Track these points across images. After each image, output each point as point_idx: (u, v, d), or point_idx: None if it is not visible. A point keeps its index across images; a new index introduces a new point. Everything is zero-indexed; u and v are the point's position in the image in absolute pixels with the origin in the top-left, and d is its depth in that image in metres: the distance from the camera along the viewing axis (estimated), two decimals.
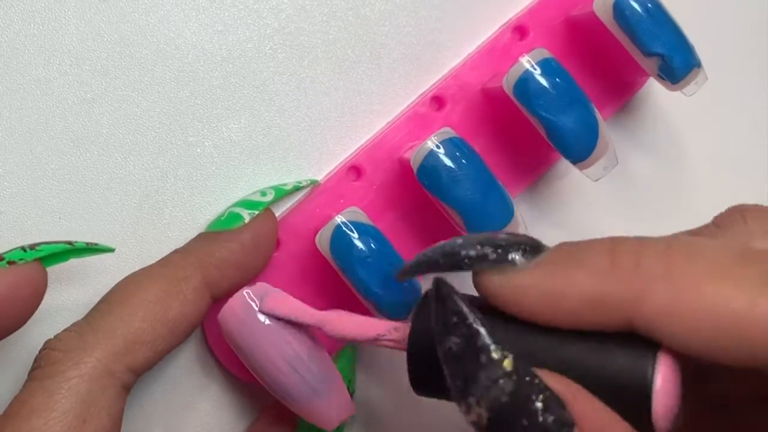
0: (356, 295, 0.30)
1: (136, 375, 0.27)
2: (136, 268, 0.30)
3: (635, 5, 0.30)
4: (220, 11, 0.32)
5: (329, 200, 0.32)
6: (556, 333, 0.22)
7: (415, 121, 0.32)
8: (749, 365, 0.19)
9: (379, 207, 0.32)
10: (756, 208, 0.24)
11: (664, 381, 0.20)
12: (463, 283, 0.23)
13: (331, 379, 0.28)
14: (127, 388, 0.27)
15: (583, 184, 0.35)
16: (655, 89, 0.35)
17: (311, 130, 0.33)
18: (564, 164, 0.34)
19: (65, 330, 0.27)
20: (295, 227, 0.32)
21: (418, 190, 0.30)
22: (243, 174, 0.32)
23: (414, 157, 0.30)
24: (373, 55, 0.33)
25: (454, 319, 0.22)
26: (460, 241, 0.23)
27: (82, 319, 0.27)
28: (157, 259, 0.30)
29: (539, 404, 0.20)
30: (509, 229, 0.30)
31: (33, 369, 0.26)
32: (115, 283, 0.28)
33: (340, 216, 0.29)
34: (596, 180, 0.31)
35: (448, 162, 0.29)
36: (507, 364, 0.21)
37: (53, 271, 0.30)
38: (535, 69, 0.30)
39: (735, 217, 0.24)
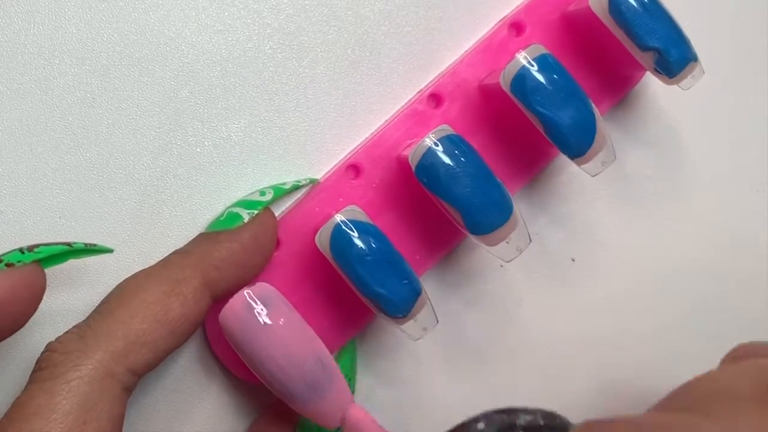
0: (356, 294, 0.29)
1: (137, 376, 0.27)
2: (136, 268, 0.30)
3: (631, 0, 0.30)
4: (220, 11, 0.32)
5: (328, 199, 0.32)
6: None
7: (413, 119, 0.33)
8: None
9: (378, 205, 0.32)
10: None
11: None
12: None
13: (333, 378, 0.28)
14: (128, 390, 0.26)
15: (581, 180, 0.35)
16: (652, 84, 0.35)
17: (311, 129, 0.33)
18: (562, 160, 0.34)
19: (66, 332, 0.27)
20: (295, 227, 0.32)
21: (416, 188, 0.30)
22: (243, 174, 0.32)
23: (412, 155, 0.30)
24: (372, 55, 0.33)
25: None
26: (481, 426, 0.23)
27: (83, 321, 0.27)
28: (158, 259, 0.30)
29: None
30: (507, 225, 0.29)
31: (34, 371, 0.26)
32: (116, 283, 0.28)
33: (339, 215, 0.29)
34: (594, 175, 0.31)
35: (446, 159, 0.29)
36: None
37: (53, 272, 0.31)
38: (531, 65, 0.30)
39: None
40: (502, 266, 0.35)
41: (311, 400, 0.28)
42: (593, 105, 0.30)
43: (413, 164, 0.30)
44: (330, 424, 0.28)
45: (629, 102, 0.36)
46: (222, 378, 0.33)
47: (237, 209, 0.30)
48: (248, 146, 0.32)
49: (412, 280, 0.29)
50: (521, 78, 0.30)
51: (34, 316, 0.28)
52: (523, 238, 0.30)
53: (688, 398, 0.25)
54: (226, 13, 0.32)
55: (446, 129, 0.30)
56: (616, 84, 0.34)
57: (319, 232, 0.30)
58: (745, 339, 0.36)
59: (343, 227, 0.29)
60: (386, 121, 0.33)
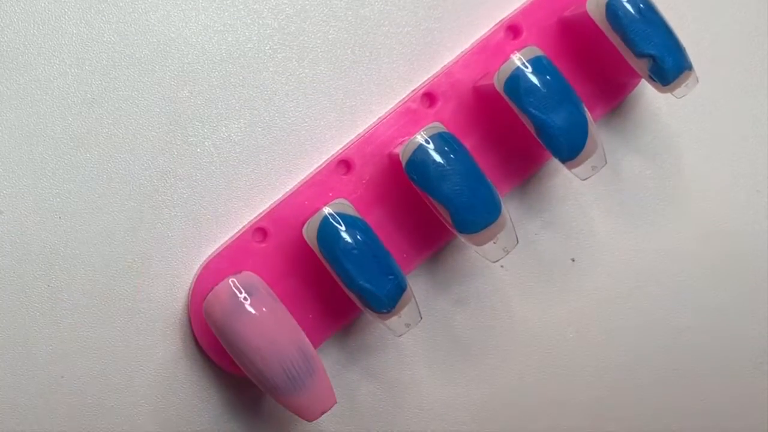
0: (342, 288, 0.30)
1: None
2: (136, 269, 0.30)
3: (628, 6, 0.30)
4: (220, 11, 0.32)
5: (318, 193, 0.32)
6: None
7: (406, 117, 0.33)
8: None
9: (368, 201, 0.32)
10: None
11: None
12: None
13: (314, 372, 0.28)
14: None
15: (572, 185, 0.35)
16: (647, 92, 0.35)
17: (311, 130, 0.33)
18: (553, 164, 0.35)
19: None
20: (283, 219, 0.32)
21: (407, 186, 0.30)
22: (243, 174, 0.32)
23: (403, 151, 0.30)
24: (372, 55, 0.33)
25: None
26: None
27: None
28: (158, 259, 0.30)
29: None
30: (495, 226, 0.30)
31: None
32: (113, 283, 0.28)
33: (327, 207, 0.29)
34: (584, 179, 0.31)
35: (436, 157, 0.29)
36: None
37: (52, 272, 0.31)
38: (526, 66, 0.30)
39: None
40: (502, 266, 0.35)
41: (291, 392, 0.28)
42: (586, 109, 0.30)
43: (403, 161, 0.30)
44: (310, 416, 0.29)
45: (624, 109, 0.36)
46: (208, 371, 0.33)
47: None
48: (248, 146, 0.32)
49: (397, 275, 0.29)
50: (515, 79, 0.30)
51: (35, 316, 0.28)
52: (510, 239, 0.30)
53: None
54: (226, 14, 0.32)
55: (438, 126, 0.30)
56: (612, 91, 0.34)
57: (306, 224, 0.30)
58: (746, 341, 0.37)
59: (331, 220, 0.29)
60: (379, 118, 0.33)
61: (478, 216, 0.29)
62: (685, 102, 0.35)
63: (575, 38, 0.33)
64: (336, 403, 0.29)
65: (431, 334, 0.34)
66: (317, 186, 0.32)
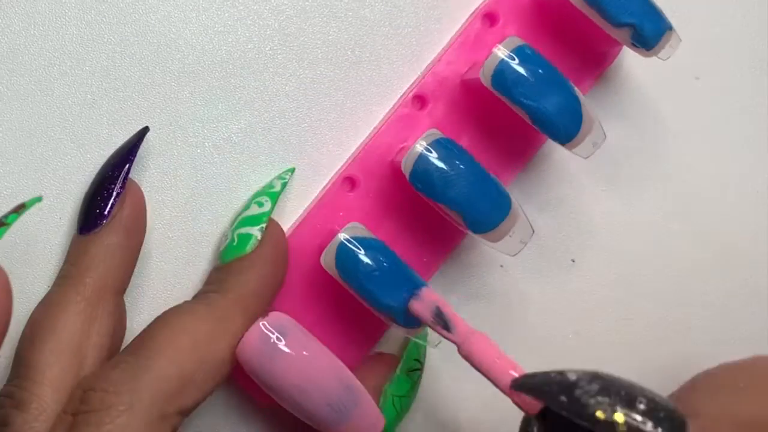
0: (368, 308, 0.30)
1: (183, 417, 0.27)
2: (137, 269, 0.30)
3: None
4: (221, 12, 0.32)
5: (329, 215, 0.32)
6: None
7: (401, 123, 0.32)
8: None
9: (378, 215, 0.32)
10: None
11: None
12: None
13: (358, 398, 0.28)
14: (175, 430, 0.26)
15: (565, 163, 0.35)
16: (629, 57, 0.35)
17: (311, 130, 0.33)
18: (548, 145, 0.34)
19: (111, 367, 0.26)
20: (300, 246, 0.32)
21: (413, 193, 0.30)
22: (243, 174, 0.32)
23: (404, 162, 0.30)
24: (372, 56, 0.33)
25: None
26: (596, 387, 0.22)
27: (129, 356, 0.27)
28: (158, 260, 0.30)
29: None
30: (508, 220, 0.30)
31: (83, 412, 0.25)
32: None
33: (342, 233, 0.29)
34: (587, 157, 0.31)
35: (439, 164, 0.29)
36: None
37: (54, 274, 0.31)
38: (510, 58, 0.30)
39: None
40: (502, 266, 0.35)
41: (338, 423, 0.28)
42: (576, 88, 0.30)
43: (406, 172, 0.30)
44: None
45: (607, 78, 0.35)
46: (243, 405, 0.33)
47: (245, 229, 0.30)
48: (248, 147, 0.33)
49: (421, 289, 0.29)
50: (501, 73, 0.30)
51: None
52: (525, 230, 0.30)
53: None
54: (226, 15, 0.32)
55: (435, 133, 0.30)
56: (595, 61, 0.34)
57: (324, 253, 0.30)
58: (745, 339, 0.37)
59: (348, 245, 0.29)
60: (374, 128, 0.33)
61: (490, 214, 0.29)
62: (685, 102, 0.35)
63: (552, 16, 0.33)
64: (385, 422, 0.29)
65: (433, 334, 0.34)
66: (326, 207, 0.32)
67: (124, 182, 0.29)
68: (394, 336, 0.34)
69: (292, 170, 0.32)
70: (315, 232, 0.32)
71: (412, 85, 0.33)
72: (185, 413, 0.27)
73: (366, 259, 0.29)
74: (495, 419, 0.35)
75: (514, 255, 0.30)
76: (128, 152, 0.30)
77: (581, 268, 0.35)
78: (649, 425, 0.21)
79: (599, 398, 0.22)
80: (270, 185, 0.32)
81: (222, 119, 0.32)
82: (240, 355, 0.28)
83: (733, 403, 0.26)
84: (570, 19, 0.32)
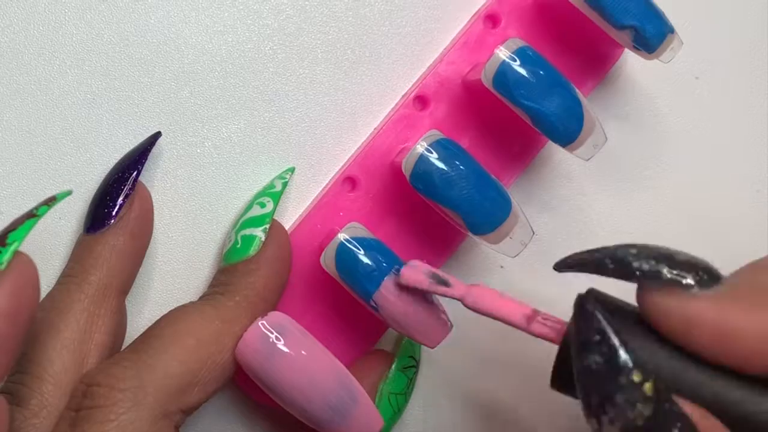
0: (367, 308, 0.30)
1: (186, 416, 0.27)
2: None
3: None
4: (220, 11, 0.32)
5: (329, 215, 0.32)
6: (711, 367, 0.21)
7: (402, 124, 0.32)
8: None
9: (378, 215, 0.32)
10: None
11: None
12: None
13: (358, 399, 0.28)
14: (177, 429, 0.26)
15: (566, 165, 0.35)
16: (630, 59, 0.35)
17: (311, 130, 0.33)
18: (549, 146, 0.34)
19: (115, 363, 0.26)
20: (300, 246, 0.31)
21: (414, 194, 0.30)
22: (243, 174, 0.32)
23: (405, 163, 0.30)
24: (372, 55, 0.33)
25: (596, 338, 0.21)
26: (634, 251, 0.23)
27: (132, 353, 0.27)
28: (158, 260, 0.30)
29: None
30: (508, 222, 0.30)
31: (87, 407, 0.25)
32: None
33: (342, 233, 0.29)
34: (588, 159, 0.31)
35: (439, 165, 0.29)
36: (647, 388, 0.20)
37: (52, 273, 0.31)
38: (511, 60, 0.29)
39: None
40: (502, 267, 0.35)
41: (336, 422, 0.28)
42: (577, 89, 0.30)
43: (407, 173, 0.30)
44: None
45: (609, 80, 0.35)
46: (243, 405, 0.33)
47: (248, 231, 0.30)
48: (248, 147, 0.32)
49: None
50: (502, 74, 0.30)
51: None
52: (526, 232, 0.30)
53: None
54: (226, 14, 0.32)
55: (436, 134, 0.30)
56: (597, 63, 0.34)
57: (323, 254, 0.30)
58: None
59: (347, 246, 0.29)
60: (375, 128, 0.33)
61: (490, 216, 0.29)
62: (685, 102, 0.35)
63: (553, 17, 0.33)
64: (383, 423, 0.29)
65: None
66: (326, 208, 0.32)
67: (133, 185, 0.29)
68: (392, 335, 0.34)
69: (292, 170, 0.32)
70: (315, 232, 0.32)
71: (413, 85, 0.33)
72: (188, 412, 0.27)
73: (366, 260, 0.29)
74: (492, 415, 0.35)
75: (515, 256, 0.30)
76: (140, 155, 0.30)
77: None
78: (690, 277, 0.21)
79: (642, 258, 0.22)
80: (271, 185, 0.32)
81: (222, 119, 0.32)
82: (239, 355, 0.28)
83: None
84: (572, 21, 0.32)
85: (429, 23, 0.34)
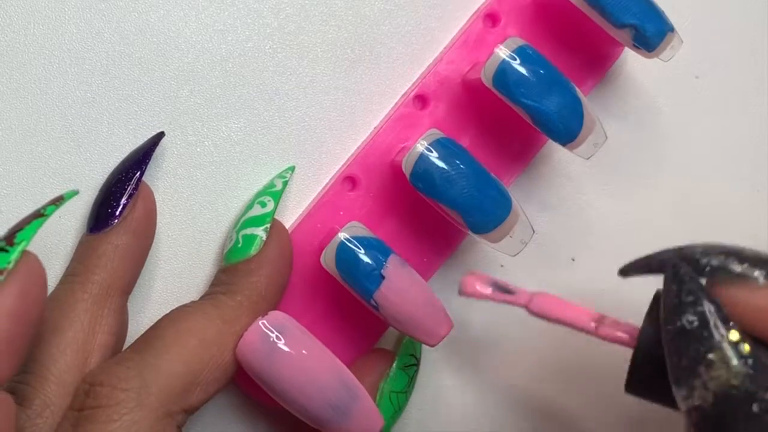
0: (367, 308, 0.30)
1: (188, 415, 0.27)
2: None
3: None
4: (220, 11, 0.32)
5: (329, 214, 0.32)
6: None
7: (402, 123, 0.32)
8: None
9: (378, 214, 0.32)
10: None
11: None
12: None
13: (357, 397, 0.28)
14: (180, 429, 0.26)
15: (566, 164, 0.35)
16: (630, 58, 0.35)
17: (311, 129, 0.33)
18: (549, 145, 0.34)
19: (118, 363, 0.26)
20: (300, 246, 0.31)
21: (414, 193, 0.30)
22: (243, 173, 0.32)
23: (405, 162, 0.30)
24: (372, 54, 0.33)
25: (690, 298, 0.21)
26: (699, 249, 0.23)
27: (134, 353, 0.27)
28: (158, 260, 0.30)
29: None
30: (509, 221, 0.30)
31: (90, 407, 0.25)
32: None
33: (342, 232, 0.29)
34: (588, 158, 0.31)
35: (439, 164, 0.29)
36: (745, 347, 0.20)
37: (52, 273, 0.31)
38: (511, 58, 0.29)
39: None
40: (502, 266, 0.35)
41: (337, 422, 0.28)
42: (577, 88, 0.30)
43: (407, 172, 0.30)
44: None
45: (609, 78, 0.35)
46: (243, 404, 0.33)
47: (249, 230, 0.30)
48: (248, 146, 0.32)
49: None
50: (502, 72, 0.30)
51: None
52: (526, 231, 0.30)
53: None
54: (226, 13, 0.32)
55: (436, 133, 0.30)
56: (597, 62, 0.34)
57: (323, 253, 0.30)
58: None
59: (347, 245, 0.29)
60: (375, 127, 0.33)
61: (490, 215, 0.29)
62: (685, 102, 0.35)
63: (553, 17, 0.33)
64: (384, 422, 0.29)
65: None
66: (327, 207, 0.32)
67: (137, 185, 0.29)
68: (393, 334, 0.34)
69: (292, 168, 0.32)
70: (315, 232, 0.32)
71: (413, 84, 0.33)
72: (190, 411, 0.27)
73: (366, 259, 0.29)
74: (492, 412, 0.35)
75: (515, 255, 0.30)
76: (143, 155, 0.30)
77: (581, 267, 0.35)
78: (757, 271, 0.22)
79: (711, 254, 0.23)
80: (271, 184, 0.32)
81: (222, 118, 0.32)
82: (239, 354, 0.28)
83: None
84: (572, 20, 0.32)
85: (429, 22, 0.34)
